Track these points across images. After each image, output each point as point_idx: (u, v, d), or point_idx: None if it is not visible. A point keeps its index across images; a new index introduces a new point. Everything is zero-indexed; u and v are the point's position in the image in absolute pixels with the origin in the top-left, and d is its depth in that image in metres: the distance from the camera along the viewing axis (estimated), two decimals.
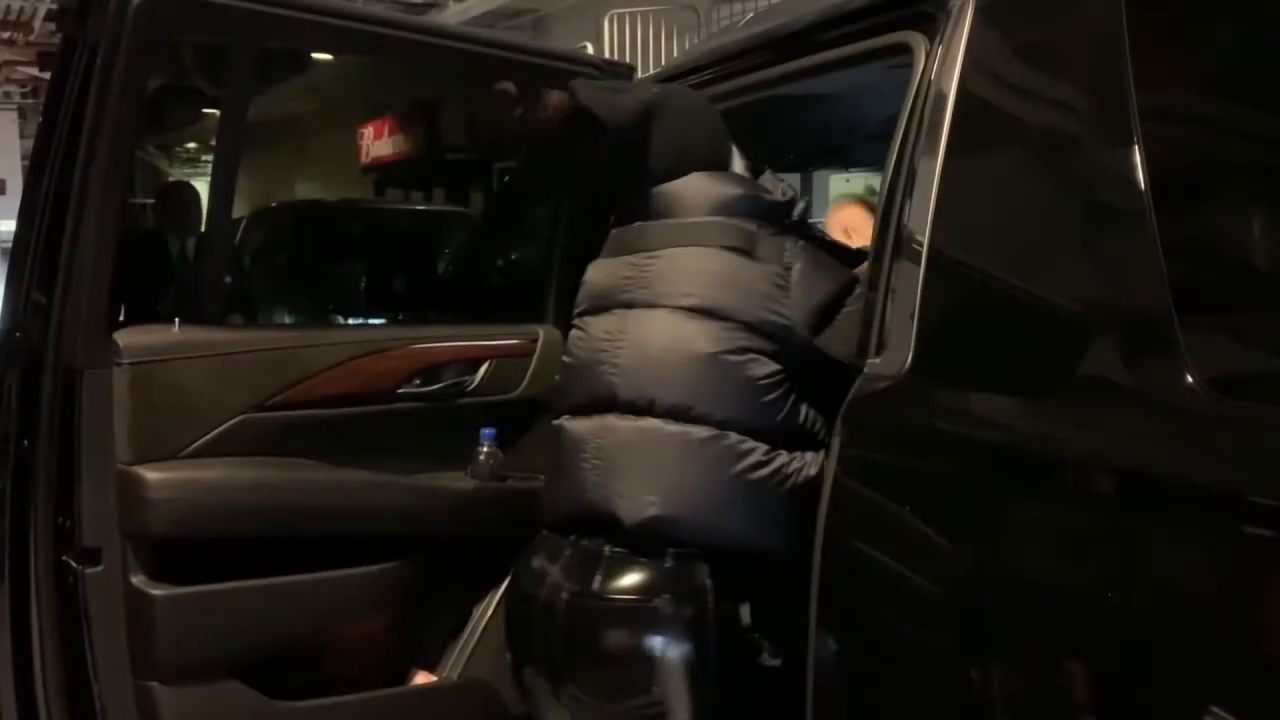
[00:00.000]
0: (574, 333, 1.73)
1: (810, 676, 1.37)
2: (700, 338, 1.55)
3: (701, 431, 1.52)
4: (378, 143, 11.90)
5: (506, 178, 6.91)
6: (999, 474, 1.19)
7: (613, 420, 1.58)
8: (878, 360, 1.35)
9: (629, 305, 1.63)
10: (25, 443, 1.69)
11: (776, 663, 1.57)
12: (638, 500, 1.53)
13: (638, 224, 1.69)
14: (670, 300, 1.59)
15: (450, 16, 10.07)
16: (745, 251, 1.58)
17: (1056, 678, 1.09)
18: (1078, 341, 1.16)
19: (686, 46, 7.40)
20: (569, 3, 10.05)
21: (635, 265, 1.65)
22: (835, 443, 1.36)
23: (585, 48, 7.69)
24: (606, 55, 7.58)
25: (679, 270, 1.60)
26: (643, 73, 2.53)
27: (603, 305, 1.68)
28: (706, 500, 1.52)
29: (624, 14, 7.90)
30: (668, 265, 1.62)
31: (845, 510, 1.35)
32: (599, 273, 1.73)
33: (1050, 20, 1.31)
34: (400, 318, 3.09)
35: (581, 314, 1.72)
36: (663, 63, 7.08)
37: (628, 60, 7.14)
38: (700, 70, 2.13)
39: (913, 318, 1.30)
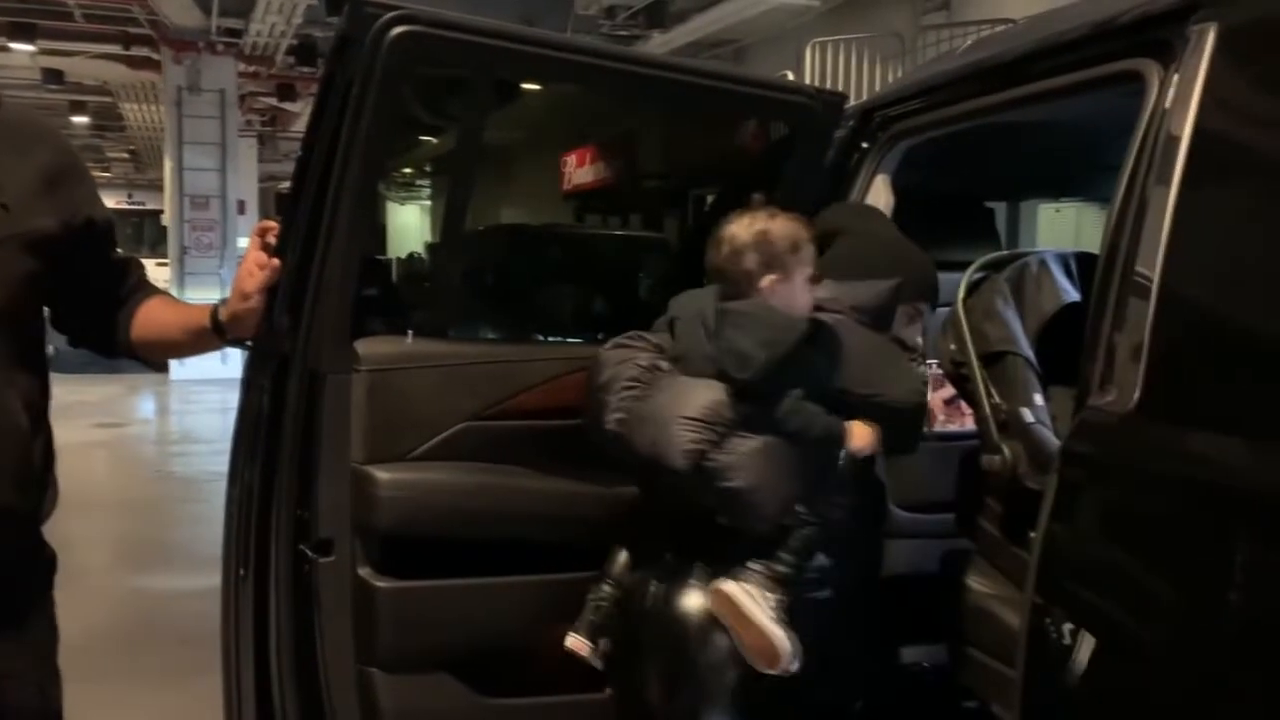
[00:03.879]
0: None
1: None
2: None
3: None
4: (580, 170, 12.30)
5: (707, 205, 7.01)
6: (1232, 521, 1.13)
7: None
8: (1103, 397, 1.31)
9: None
10: (272, 439, 1.86)
11: None
12: None
13: None
14: None
15: (655, 46, 10.32)
16: None
17: None
18: None
19: (889, 75, 7.32)
20: (769, 32, 10.12)
21: None
22: (1053, 479, 1.33)
23: (785, 77, 7.74)
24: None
25: None
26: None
27: None
28: None
29: (825, 42, 7.90)
30: None
31: (1062, 550, 1.32)
32: None
33: None
34: (601, 337, 3.20)
35: None
36: (864, 91, 7.04)
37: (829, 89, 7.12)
38: (913, 98, 2.13)
39: (1140, 354, 1.26)
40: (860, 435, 1.80)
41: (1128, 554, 1.24)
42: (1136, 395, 1.25)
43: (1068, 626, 1.31)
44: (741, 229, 1.83)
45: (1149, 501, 1.23)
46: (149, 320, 1.73)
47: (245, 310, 1.68)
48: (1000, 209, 3.55)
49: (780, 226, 1.83)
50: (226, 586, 2.06)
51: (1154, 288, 1.26)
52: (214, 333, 1.71)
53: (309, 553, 1.81)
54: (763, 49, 10.49)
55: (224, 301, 1.72)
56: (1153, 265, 1.28)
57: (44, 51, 12.70)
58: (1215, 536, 1.14)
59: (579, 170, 12.53)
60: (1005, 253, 2.27)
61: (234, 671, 2.04)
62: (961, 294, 2.12)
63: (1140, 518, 1.23)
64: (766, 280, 1.80)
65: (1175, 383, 1.26)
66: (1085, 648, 1.28)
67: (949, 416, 2.58)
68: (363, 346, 1.82)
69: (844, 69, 7.81)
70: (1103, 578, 1.26)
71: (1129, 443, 1.26)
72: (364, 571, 1.81)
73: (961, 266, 2.25)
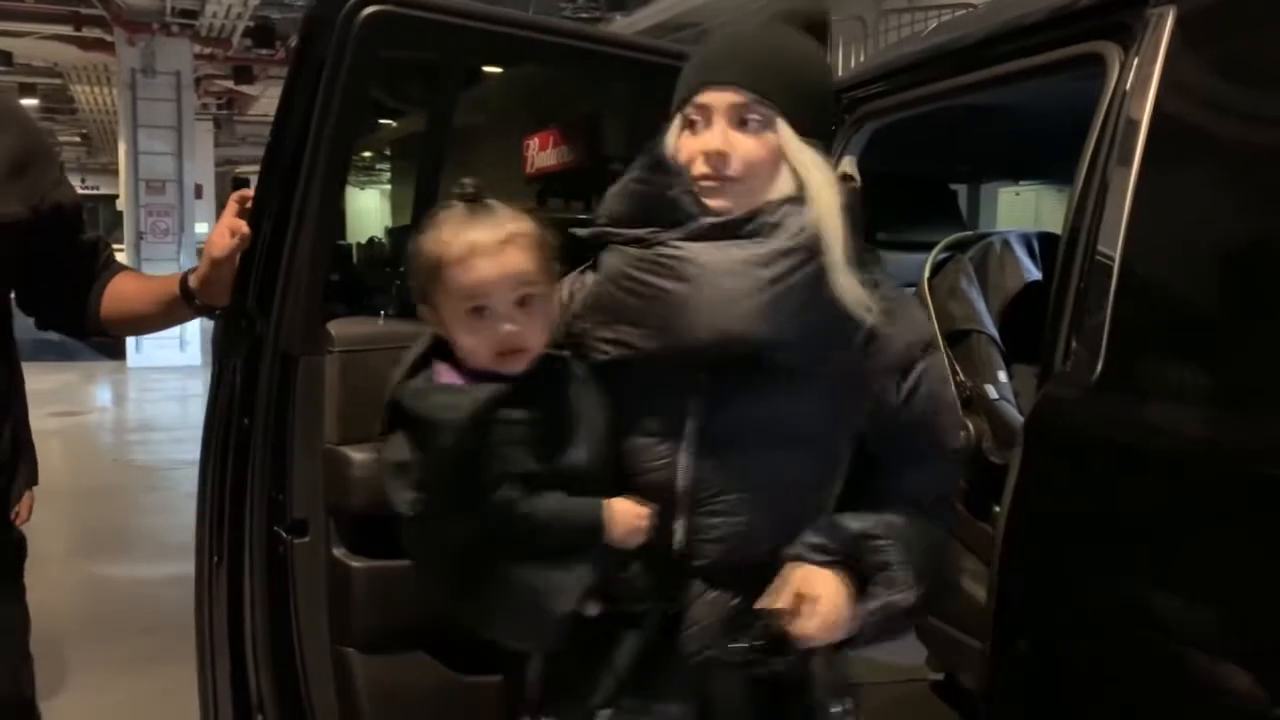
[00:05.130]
0: None
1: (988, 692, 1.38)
2: None
3: None
4: (543, 153, 12.25)
5: None
6: (1192, 489, 1.18)
7: None
8: (1066, 370, 1.35)
9: None
10: (246, 421, 1.85)
11: None
12: None
13: None
14: None
15: (616, 29, 10.30)
16: None
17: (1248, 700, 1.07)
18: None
19: (852, 58, 7.36)
20: (732, 15, 10.13)
21: None
22: (1018, 453, 1.37)
23: None
24: None
25: None
26: None
27: None
28: None
29: None
30: None
31: (1026, 519, 1.35)
32: None
33: (1258, 29, 1.28)
34: None
35: None
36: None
37: None
38: (878, 80, 2.15)
39: (1102, 330, 1.30)
40: (623, 519, 1.30)
41: (1092, 526, 1.28)
42: (1098, 370, 1.29)
43: (1034, 599, 1.35)
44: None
45: (1112, 473, 1.27)
46: (117, 296, 1.72)
47: (216, 275, 1.68)
48: (963, 191, 3.61)
49: (429, 238, 1.36)
50: (201, 571, 2.05)
51: (1115, 265, 1.30)
52: (184, 300, 1.70)
53: (284, 534, 1.81)
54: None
55: (194, 269, 1.72)
56: (1114, 244, 1.31)
57: None
58: (1176, 507, 1.19)
59: (542, 153, 12.48)
60: (969, 233, 2.32)
61: (209, 656, 2.03)
62: (926, 274, 2.16)
63: (1104, 490, 1.27)
64: (423, 313, 1.40)
65: (1135, 357, 1.30)
66: (1052, 620, 1.32)
67: None
68: (335, 328, 1.82)
69: None
70: (1068, 550, 1.30)
71: (1091, 416, 1.30)
72: (338, 552, 1.82)
73: (927, 247, 2.29)
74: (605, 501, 1.31)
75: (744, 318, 1.24)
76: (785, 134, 1.28)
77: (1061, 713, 1.33)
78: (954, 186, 3.31)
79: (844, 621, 1.27)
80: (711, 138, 1.28)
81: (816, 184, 1.27)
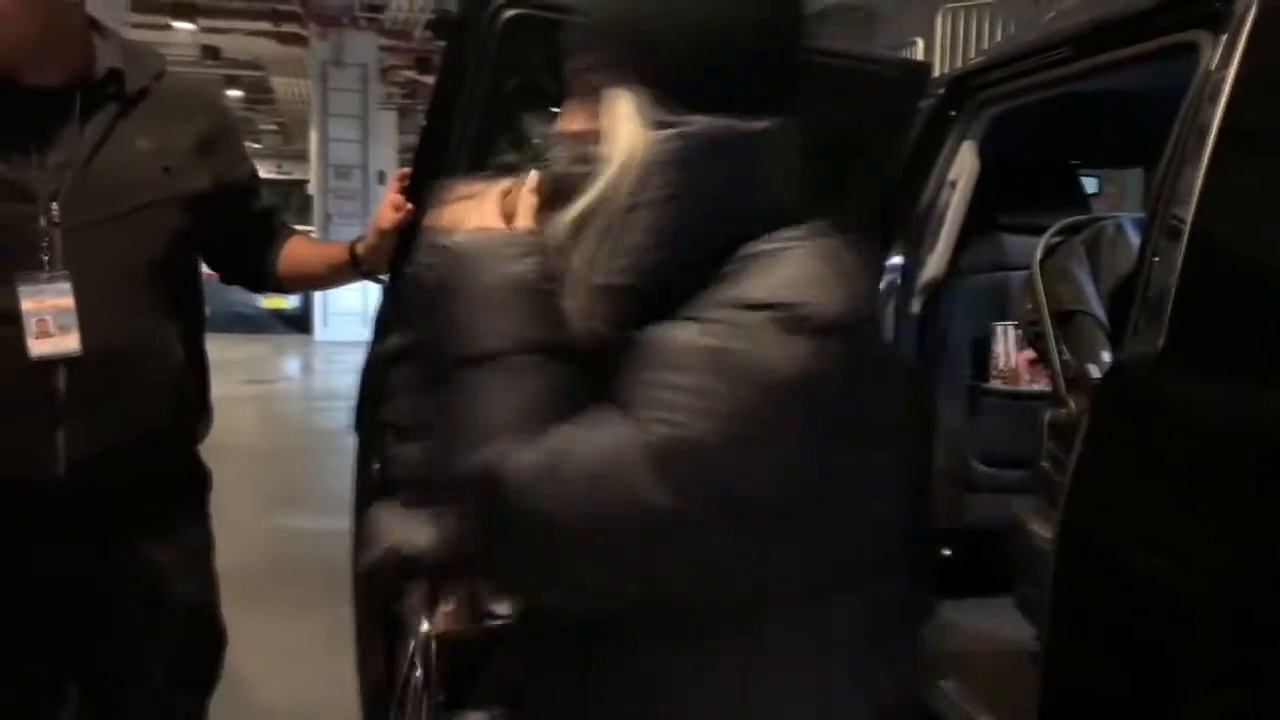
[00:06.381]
0: None
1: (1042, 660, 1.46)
2: None
3: None
4: None
5: None
6: (1251, 460, 1.24)
7: None
8: (1135, 339, 1.42)
9: None
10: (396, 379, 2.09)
11: None
12: None
13: None
14: None
15: None
16: None
17: None
18: None
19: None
20: None
21: None
22: (1084, 420, 1.44)
23: (915, 44, 7.66)
24: (938, 52, 7.51)
25: None
26: None
27: None
28: None
29: (958, 9, 7.77)
30: None
31: (1089, 490, 1.43)
32: None
33: None
34: None
35: None
36: None
37: (960, 57, 7.07)
38: (997, 67, 2.21)
39: (1168, 300, 1.36)
40: None
41: (1145, 486, 1.35)
42: (1163, 339, 1.36)
43: (1092, 545, 1.43)
44: None
45: (1168, 435, 1.34)
46: (293, 258, 1.99)
47: (381, 244, 1.92)
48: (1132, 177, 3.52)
49: None
50: (357, 519, 2.31)
51: (1184, 237, 1.36)
52: (352, 265, 1.96)
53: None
54: (893, 16, 10.34)
55: (361, 238, 1.96)
56: (1185, 216, 1.38)
57: (203, 29, 13.47)
58: (1226, 466, 1.25)
59: None
60: (1083, 217, 2.34)
61: (363, 594, 2.29)
62: (1039, 256, 2.21)
63: (1159, 450, 1.34)
64: None
65: (1198, 327, 1.35)
66: (1107, 565, 1.39)
67: (1034, 376, 2.66)
68: None
69: (976, 35, 7.68)
70: (1123, 503, 1.38)
71: (1151, 380, 1.37)
72: None
73: (1044, 231, 2.33)
74: None
75: None
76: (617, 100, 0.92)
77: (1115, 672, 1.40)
78: (1096, 172, 3.28)
79: None
80: None
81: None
